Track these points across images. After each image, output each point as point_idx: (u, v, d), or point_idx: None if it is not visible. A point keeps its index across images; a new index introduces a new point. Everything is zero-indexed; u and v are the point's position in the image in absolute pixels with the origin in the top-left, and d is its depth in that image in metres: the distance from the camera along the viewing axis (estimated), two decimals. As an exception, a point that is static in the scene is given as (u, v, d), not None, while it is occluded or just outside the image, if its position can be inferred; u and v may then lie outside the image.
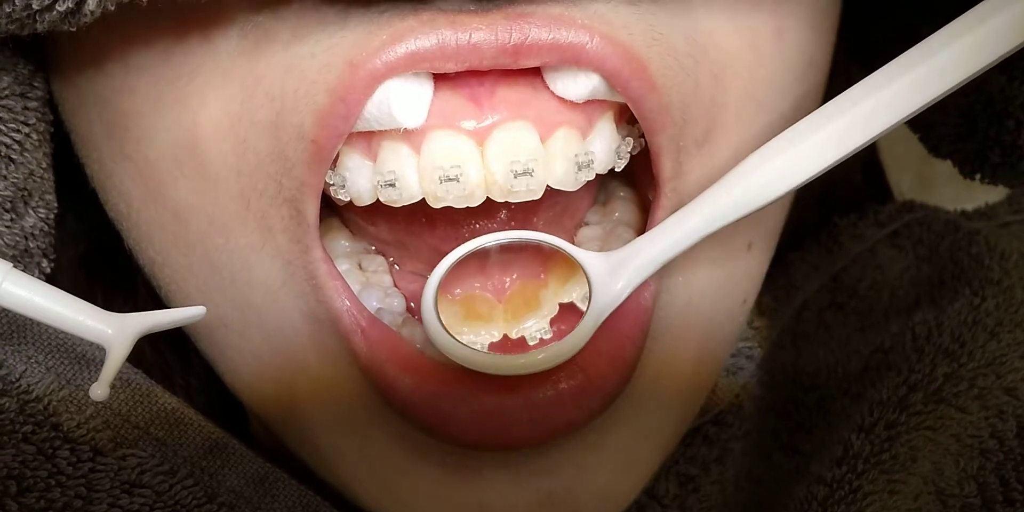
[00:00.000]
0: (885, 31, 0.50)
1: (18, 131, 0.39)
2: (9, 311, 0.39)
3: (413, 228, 0.43)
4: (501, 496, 0.39)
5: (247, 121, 0.35)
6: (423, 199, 0.38)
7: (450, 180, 0.36)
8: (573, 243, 0.43)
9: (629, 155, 0.40)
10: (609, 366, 0.37)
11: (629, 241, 0.38)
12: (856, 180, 0.61)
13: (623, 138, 0.40)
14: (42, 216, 0.41)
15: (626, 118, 0.40)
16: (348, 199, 0.39)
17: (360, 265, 0.43)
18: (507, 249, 0.42)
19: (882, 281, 0.52)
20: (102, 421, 0.40)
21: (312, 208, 0.36)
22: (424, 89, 0.36)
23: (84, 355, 0.40)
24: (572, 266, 0.39)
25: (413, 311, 0.42)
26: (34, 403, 0.39)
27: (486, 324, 0.41)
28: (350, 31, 0.34)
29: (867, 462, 0.43)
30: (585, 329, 0.36)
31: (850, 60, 0.53)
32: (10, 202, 0.39)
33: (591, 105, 0.38)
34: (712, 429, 0.49)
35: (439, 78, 0.36)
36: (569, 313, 0.42)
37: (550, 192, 0.38)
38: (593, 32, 0.34)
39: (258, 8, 0.34)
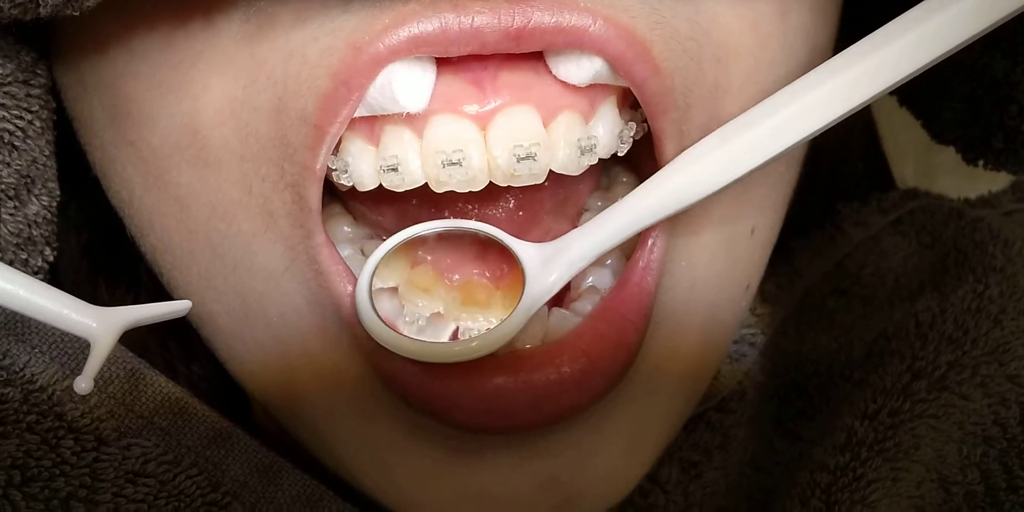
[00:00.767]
0: (885, 17, 0.50)
1: (21, 118, 0.39)
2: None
3: (415, 214, 0.42)
4: (502, 479, 0.40)
5: (249, 106, 0.35)
6: (426, 184, 0.38)
7: (453, 164, 0.36)
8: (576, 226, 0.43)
9: (632, 140, 0.40)
10: (612, 349, 0.37)
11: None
12: (859, 168, 0.61)
13: (626, 123, 0.40)
14: (45, 204, 0.41)
15: (629, 103, 0.40)
16: (351, 184, 0.39)
17: (363, 251, 0.42)
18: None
19: (885, 268, 0.52)
20: (106, 411, 0.40)
21: (314, 193, 0.36)
22: (427, 73, 0.36)
23: (88, 345, 0.40)
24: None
25: None
26: (38, 393, 0.39)
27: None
28: (353, 14, 0.34)
29: (871, 449, 0.43)
30: (516, 319, 0.36)
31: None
32: (13, 189, 0.39)
33: (594, 89, 0.38)
34: (715, 415, 0.49)
35: (442, 62, 0.36)
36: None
37: (553, 177, 0.38)
38: (596, 15, 0.34)
39: None
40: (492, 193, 0.41)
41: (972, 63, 0.45)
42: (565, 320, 0.38)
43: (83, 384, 0.32)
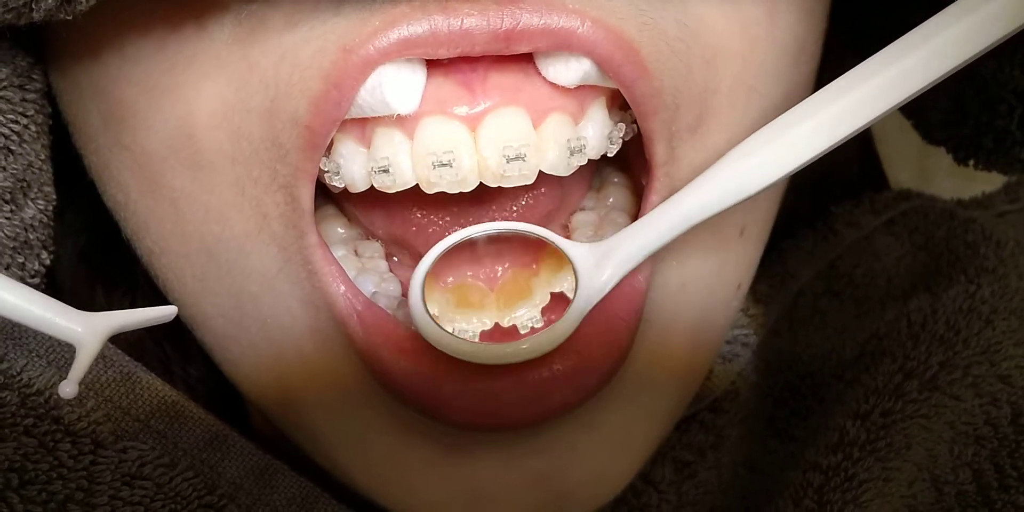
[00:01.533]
0: (879, 19, 0.50)
1: (16, 122, 0.39)
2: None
3: (407, 215, 0.43)
4: (494, 476, 0.40)
5: (241, 108, 0.36)
6: (417, 185, 0.38)
7: (443, 165, 0.37)
8: (568, 228, 0.43)
9: (621, 140, 0.40)
10: (603, 347, 0.37)
11: (624, 226, 0.39)
12: (852, 169, 0.61)
13: (615, 124, 0.40)
14: (41, 207, 0.41)
15: (618, 104, 0.40)
16: (343, 186, 0.39)
17: (356, 251, 0.43)
18: (498, 238, 0.42)
19: (878, 269, 0.52)
20: (103, 414, 0.40)
21: (307, 194, 0.37)
22: (417, 75, 0.36)
23: None
24: (563, 256, 0.39)
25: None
26: (35, 396, 0.39)
27: (478, 312, 0.41)
28: (343, 17, 0.34)
29: (863, 449, 0.43)
30: (571, 320, 0.36)
31: (846, 49, 0.53)
32: (9, 193, 0.40)
33: (583, 90, 0.38)
34: (708, 416, 0.49)
35: (432, 64, 0.36)
36: (560, 302, 0.42)
37: (546, 177, 0.38)
38: (584, 17, 0.34)
39: None
40: (483, 194, 0.41)
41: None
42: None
43: (68, 389, 0.32)
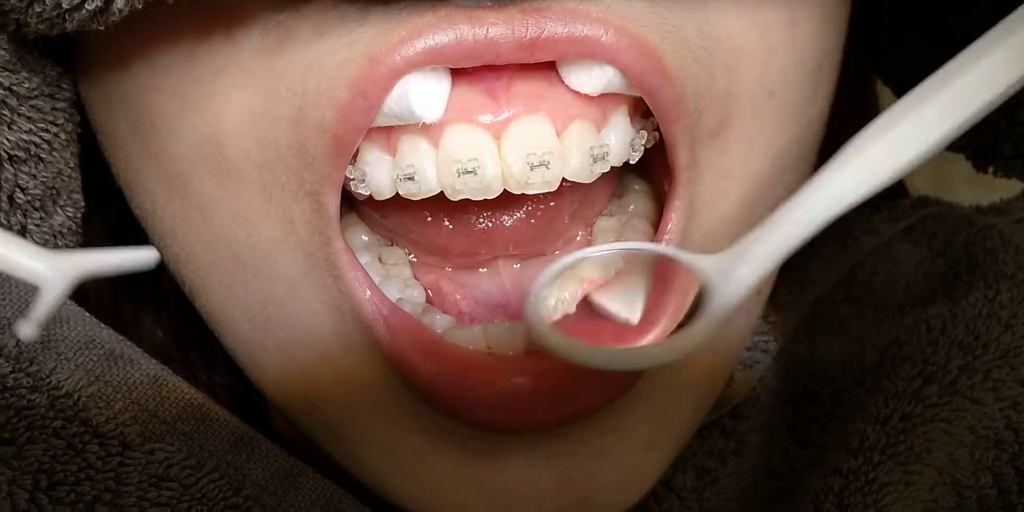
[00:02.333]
0: (894, 25, 0.51)
1: (47, 131, 0.40)
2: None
3: (430, 220, 0.43)
4: (522, 479, 0.40)
5: (269, 117, 0.36)
6: (442, 192, 0.38)
7: (468, 173, 0.37)
8: (591, 234, 0.44)
9: (644, 148, 0.40)
10: None
11: (645, 232, 0.39)
12: None
13: (637, 131, 0.40)
14: (70, 215, 0.42)
15: (640, 112, 0.40)
16: (368, 193, 0.39)
17: (380, 258, 0.43)
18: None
19: (897, 275, 0.52)
20: (130, 416, 0.40)
21: (333, 200, 0.37)
22: (442, 84, 0.36)
23: (113, 351, 0.41)
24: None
25: (432, 300, 0.43)
26: (64, 399, 0.39)
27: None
28: (370, 27, 0.34)
29: (883, 453, 0.43)
30: (708, 330, 0.33)
31: (862, 64, 0.54)
32: (39, 201, 0.40)
33: (606, 98, 0.38)
34: (729, 422, 0.49)
35: (456, 73, 0.37)
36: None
37: (569, 184, 0.39)
38: (608, 25, 0.35)
39: (280, 7, 0.35)
40: (507, 200, 0.41)
41: None
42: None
43: (26, 329, 0.29)
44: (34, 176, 0.40)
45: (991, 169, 0.48)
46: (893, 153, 0.32)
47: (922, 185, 0.65)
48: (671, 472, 0.48)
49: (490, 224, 0.43)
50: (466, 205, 0.41)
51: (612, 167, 0.40)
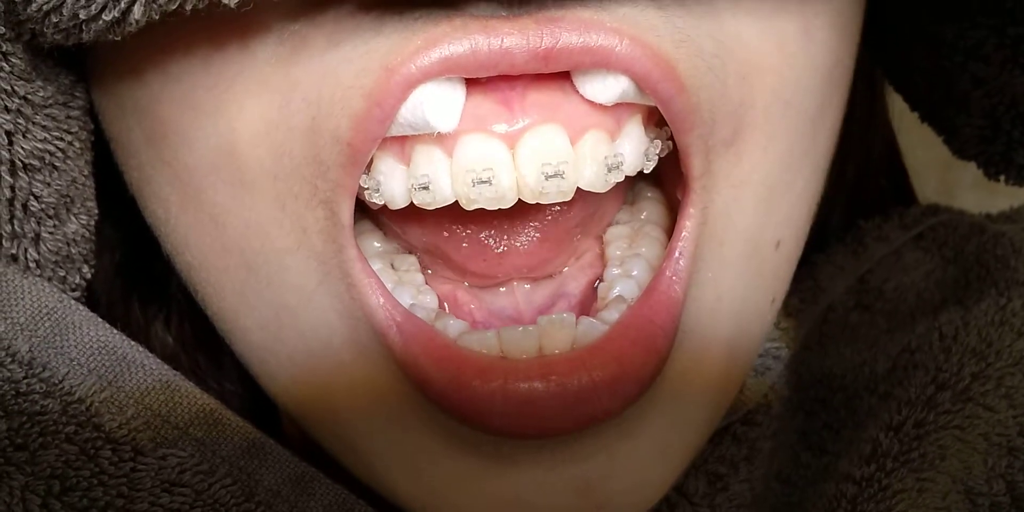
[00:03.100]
0: (905, 31, 0.51)
1: (61, 139, 0.40)
2: (53, 316, 0.40)
3: (443, 228, 0.43)
4: (536, 484, 0.40)
5: (284, 126, 0.36)
6: (456, 202, 0.38)
7: (482, 183, 0.37)
8: (603, 241, 0.44)
9: (657, 157, 0.41)
10: (642, 355, 0.37)
11: (658, 239, 0.39)
12: (881, 184, 0.61)
13: (651, 140, 0.40)
14: (83, 222, 0.42)
15: (654, 121, 0.41)
16: (382, 202, 0.39)
17: (392, 265, 0.43)
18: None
19: (908, 283, 0.52)
20: (143, 422, 0.40)
21: (347, 209, 0.37)
22: (457, 94, 0.36)
23: (126, 357, 0.41)
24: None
25: (444, 307, 0.43)
26: (76, 404, 0.40)
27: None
28: (385, 37, 0.35)
29: (896, 460, 0.43)
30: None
31: (873, 63, 0.54)
32: (53, 209, 0.40)
33: (620, 108, 0.38)
34: (741, 428, 0.49)
35: (471, 83, 0.37)
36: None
37: (581, 193, 0.39)
38: (622, 35, 0.35)
39: (295, 16, 0.35)
40: (521, 209, 0.41)
41: (992, 79, 0.46)
42: (593, 328, 0.39)
43: None
44: (48, 184, 0.40)
45: (1003, 178, 0.48)
46: None
47: (927, 191, 0.65)
48: (683, 478, 0.48)
49: (506, 248, 0.43)
50: (480, 215, 0.41)
51: (624, 176, 0.40)
